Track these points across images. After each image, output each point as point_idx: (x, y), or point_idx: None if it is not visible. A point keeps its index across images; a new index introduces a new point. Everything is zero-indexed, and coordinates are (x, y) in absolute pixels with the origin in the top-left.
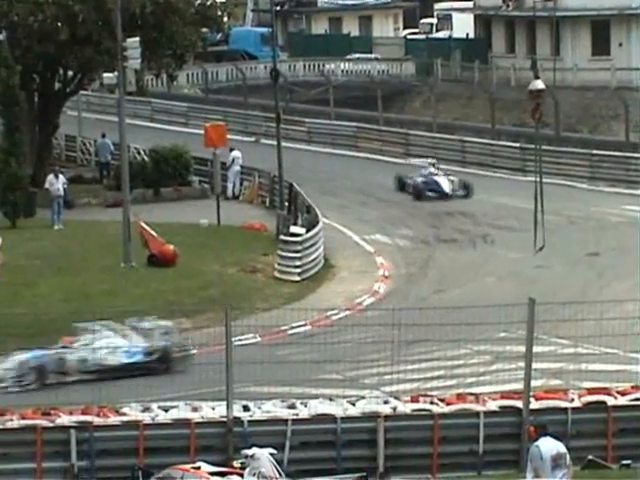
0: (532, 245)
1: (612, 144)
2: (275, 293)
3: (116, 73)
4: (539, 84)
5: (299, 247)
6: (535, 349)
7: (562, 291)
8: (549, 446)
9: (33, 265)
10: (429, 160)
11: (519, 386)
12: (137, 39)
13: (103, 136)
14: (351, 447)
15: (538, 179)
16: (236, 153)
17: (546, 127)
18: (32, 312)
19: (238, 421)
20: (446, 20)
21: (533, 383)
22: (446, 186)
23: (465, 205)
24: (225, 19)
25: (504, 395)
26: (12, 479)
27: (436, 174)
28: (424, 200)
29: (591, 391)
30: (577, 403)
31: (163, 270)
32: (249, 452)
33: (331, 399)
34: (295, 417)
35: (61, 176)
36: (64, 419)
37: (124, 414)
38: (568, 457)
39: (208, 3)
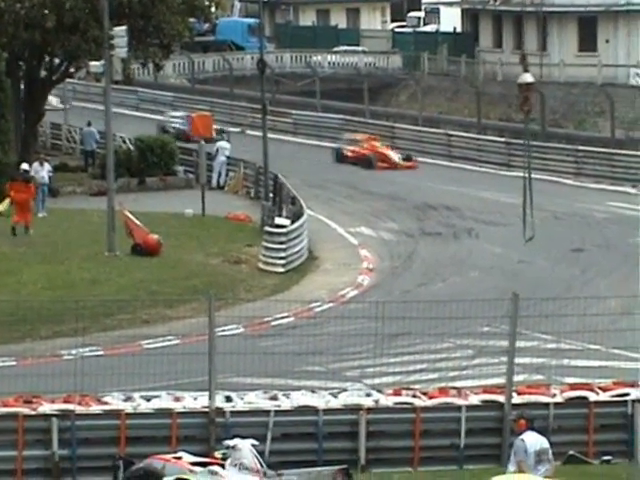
0: (516, 240)
1: (598, 140)
2: (259, 284)
3: (103, 61)
4: (528, 77)
5: (283, 238)
6: (518, 344)
7: (545, 286)
8: (533, 441)
9: (17, 253)
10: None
11: (501, 380)
12: (124, 28)
13: (89, 125)
14: (333, 439)
15: (527, 172)
16: (222, 144)
17: (532, 122)
18: (15, 300)
19: (220, 412)
20: (433, 14)
21: (515, 378)
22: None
23: (450, 199)
24: (212, 9)
25: (486, 389)
26: None
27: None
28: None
29: (573, 386)
30: (559, 398)
31: (147, 259)
32: (231, 443)
33: (313, 391)
34: (277, 408)
35: (46, 164)
36: (46, 407)
37: (106, 403)
38: (550, 452)
39: None
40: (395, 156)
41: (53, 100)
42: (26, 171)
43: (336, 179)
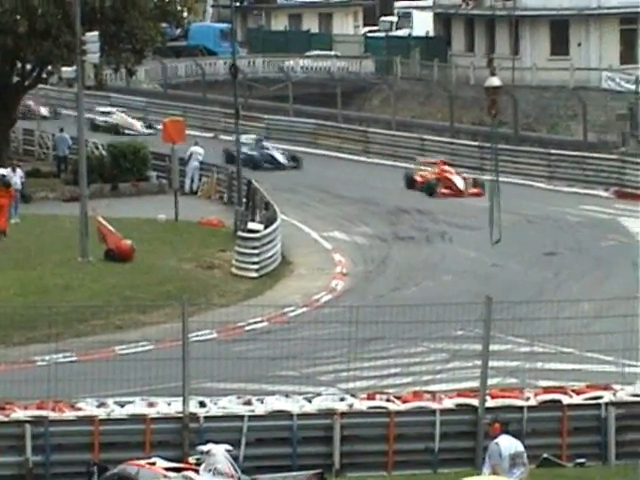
0: (489, 243)
1: (570, 144)
2: (232, 289)
3: (75, 67)
4: (495, 81)
5: (257, 243)
6: (491, 347)
7: (519, 290)
8: (508, 444)
9: None
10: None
11: (475, 384)
12: (96, 33)
13: (61, 130)
14: (307, 444)
15: (494, 176)
16: (196, 149)
17: (504, 126)
18: None
19: (194, 417)
20: (406, 18)
21: (489, 381)
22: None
23: (423, 203)
24: (185, 14)
25: (460, 393)
26: None
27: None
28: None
29: (546, 390)
30: (533, 401)
31: (120, 265)
32: (205, 448)
33: (287, 396)
34: (251, 413)
35: (19, 170)
36: (19, 413)
37: (80, 409)
38: (525, 456)
39: None
40: (460, 182)
41: (42, 110)
42: (4, 176)
43: (307, 183)
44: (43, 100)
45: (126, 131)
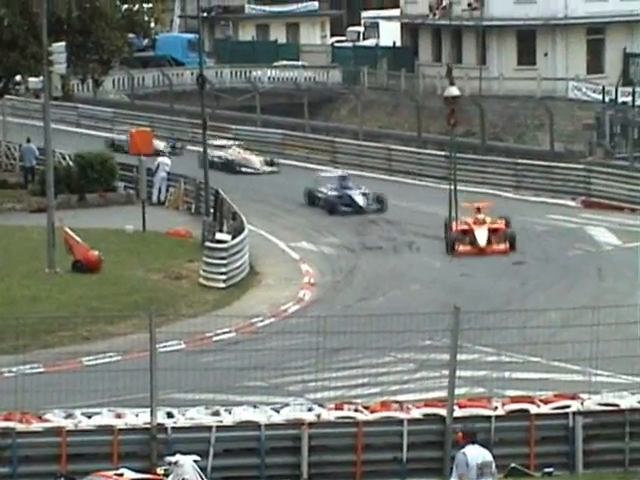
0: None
1: (537, 153)
2: (200, 300)
3: (42, 78)
4: (454, 91)
5: (224, 254)
6: (459, 357)
7: (486, 299)
8: (475, 454)
9: None
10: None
11: (443, 394)
12: (63, 44)
13: (28, 141)
14: (275, 454)
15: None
16: (163, 159)
17: (472, 136)
18: None
19: (162, 428)
20: (373, 28)
21: (457, 391)
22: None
23: (389, 214)
24: (152, 25)
25: (428, 403)
26: None
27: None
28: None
29: (514, 399)
30: (500, 411)
31: (87, 276)
32: (173, 459)
33: (255, 406)
34: (219, 424)
35: None
36: None
37: (47, 420)
38: (494, 465)
39: (135, 8)
40: (483, 238)
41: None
42: None
43: (276, 193)
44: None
45: (243, 169)
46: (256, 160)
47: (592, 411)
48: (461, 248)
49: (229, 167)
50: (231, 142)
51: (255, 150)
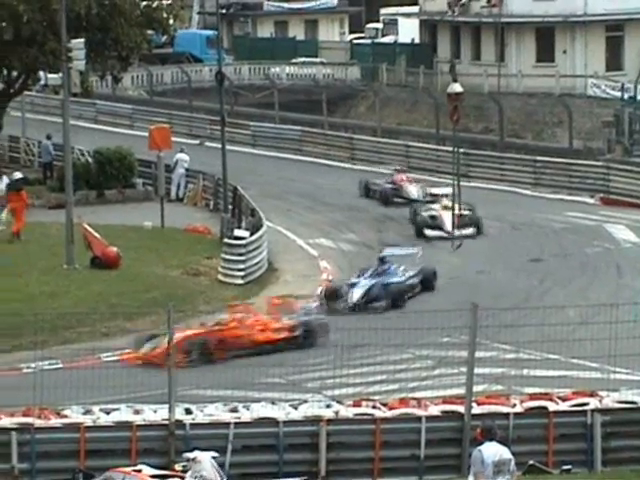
0: (475, 250)
1: (555, 151)
2: (218, 296)
3: (60, 74)
4: (457, 87)
5: (243, 250)
6: (477, 354)
7: (504, 297)
8: (492, 451)
9: None
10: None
11: (461, 391)
12: (82, 40)
13: (48, 137)
14: (293, 451)
15: (456, 180)
16: (181, 155)
17: (490, 133)
18: None
19: (180, 424)
20: (392, 25)
21: (475, 388)
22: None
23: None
24: (171, 21)
25: (446, 400)
26: None
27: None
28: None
29: (532, 396)
30: (519, 408)
31: (106, 272)
32: (191, 455)
33: (273, 403)
34: (237, 420)
35: (5, 177)
36: (5, 421)
37: (65, 416)
38: (513, 463)
39: (154, 5)
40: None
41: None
42: (17, 180)
43: (293, 190)
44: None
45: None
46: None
47: (611, 409)
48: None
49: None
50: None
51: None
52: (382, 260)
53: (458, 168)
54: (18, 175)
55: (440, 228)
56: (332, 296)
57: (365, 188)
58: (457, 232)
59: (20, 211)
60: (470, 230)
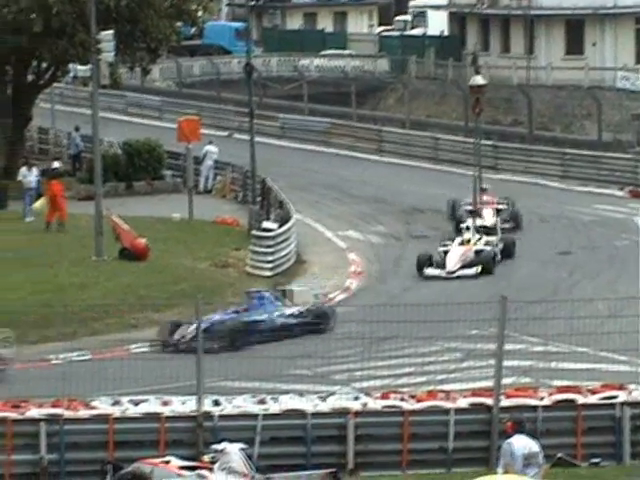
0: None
1: (584, 143)
2: (246, 288)
3: (90, 66)
4: (479, 80)
5: (271, 242)
6: (506, 347)
7: (533, 289)
8: (521, 444)
9: (4, 257)
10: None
11: (490, 384)
12: (111, 32)
13: (76, 129)
14: (321, 443)
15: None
16: (210, 147)
17: (519, 125)
18: (3, 304)
19: (208, 415)
20: (421, 17)
21: (503, 381)
22: (489, 218)
23: (437, 202)
24: (200, 13)
25: (474, 392)
26: None
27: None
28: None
29: (561, 389)
30: (547, 401)
31: (135, 264)
32: (219, 447)
33: (301, 395)
34: (265, 412)
35: (34, 168)
36: (34, 412)
37: (94, 407)
38: (541, 456)
39: None
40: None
41: None
42: (55, 168)
43: (321, 182)
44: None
45: None
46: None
47: (639, 402)
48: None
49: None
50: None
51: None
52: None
53: (480, 160)
54: (56, 164)
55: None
56: (172, 332)
57: (452, 208)
58: (459, 271)
59: (57, 200)
60: (473, 270)
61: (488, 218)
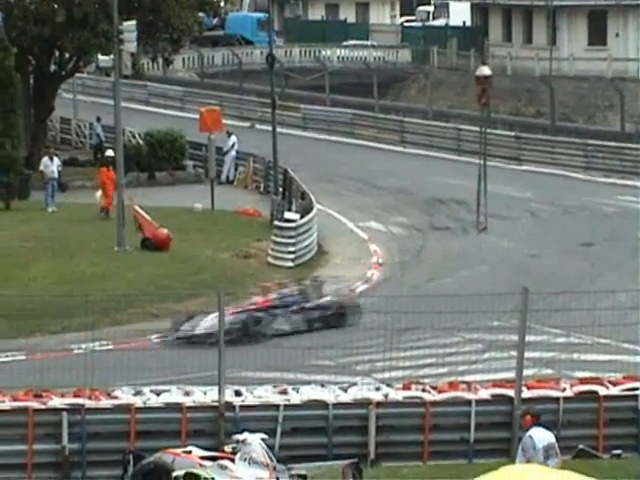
0: (525, 233)
1: (607, 134)
2: (268, 278)
3: (112, 56)
4: (485, 70)
5: (293, 233)
6: (527, 338)
7: (555, 280)
8: (541, 436)
9: (26, 247)
10: None
11: (511, 375)
12: (134, 22)
13: (98, 120)
14: (342, 433)
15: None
16: (234, 138)
17: (542, 116)
18: (25, 294)
19: (230, 406)
20: (443, 8)
21: (525, 372)
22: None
23: (459, 193)
24: (222, 4)
25: (496, 384)
26: (3, 460)
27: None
28: None
29: (583, 381)
30: (569, 392)
31: (156, 254)
32: (240, 437)
33: (323, 385)
34: (287, 403)
35: (56, 158)
36: (56, 401)
37: (116, 397)
38: (557, 447)
39: None
40: None
41: None
42: (108, 156)
43: (343, 173)
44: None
45: None
46: None
47: None
48: None
49: None
50: None
51: None
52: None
53: (485, 149)
54: (110, 152)
55: None
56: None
57: None
58: None
59: (109, 188)
60: None
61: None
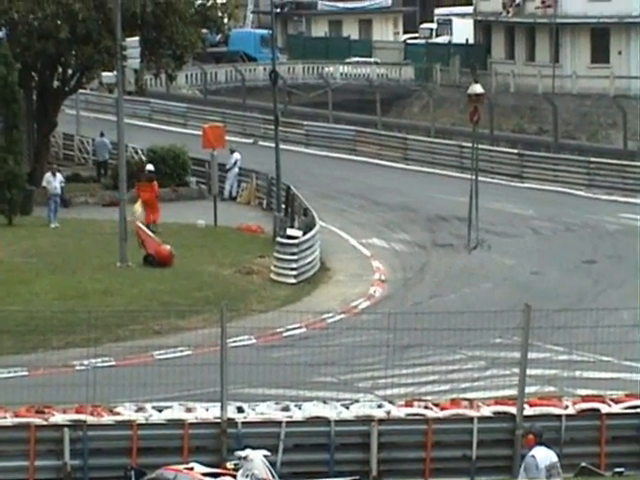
0: (528, 251)
1: (610, 152)
2: (271, 295)
3: (115, 72)
4: (478, 88)
5: (295, 249)
6: (530, 355)
7: (558, 298)
8: (544, 456)
9: (29, 263)
10: None
11: (513, 392)
12: (137, 38)
13: (101, 135)
14: (344, 450)
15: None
16: (237, 155)
17: (544, 134)
18: (27, 310)
19: (232, 422)
20: (446, 25)
21: (527, 389)
22: None
23: (462, 210)
24: (225, 20)
25: (498, 401)
26: (4, 476)
27: None
28: None
29: (585, 398)
30: (571, 410)
31: (159, 270)
32: (242, 453)
33: (325, 402)
34: (289, 419)
35: (58, 174)
36: (58, 417)
37: (118, 414)
38: (559, 465)
39: (208, 4)
40: None
41: None
42: (150, 171)
43: (348, 190)
44: None
45: None
46: None
47: None
48: None
49: None
50: None
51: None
52: None
53: (477, 165)
54: (150, 167)
55: None
56: None
57: None
58: None
59: (153, 202)
60: None
61: None
